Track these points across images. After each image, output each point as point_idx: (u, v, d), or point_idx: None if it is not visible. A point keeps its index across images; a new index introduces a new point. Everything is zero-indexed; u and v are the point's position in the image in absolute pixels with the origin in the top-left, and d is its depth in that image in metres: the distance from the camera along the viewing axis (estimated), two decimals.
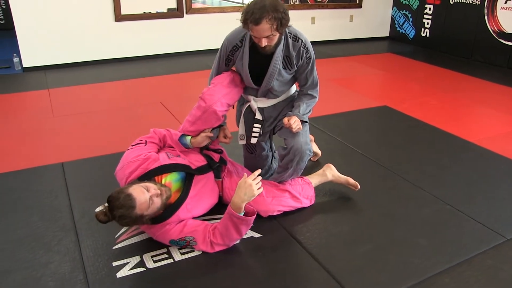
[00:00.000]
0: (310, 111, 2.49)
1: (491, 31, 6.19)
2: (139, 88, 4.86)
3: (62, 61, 5.55)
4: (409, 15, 7.45)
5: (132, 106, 4.25)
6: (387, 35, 8.00)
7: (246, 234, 2.29)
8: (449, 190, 2.81)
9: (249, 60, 2.35)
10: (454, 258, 2.17)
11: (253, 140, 2.56)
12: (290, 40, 2.31)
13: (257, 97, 2.52)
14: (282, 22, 2.11)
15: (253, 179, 2.06)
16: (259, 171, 2.13)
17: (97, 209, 2.49)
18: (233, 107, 2.64)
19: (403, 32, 7.67)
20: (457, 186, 2.87)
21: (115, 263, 2.08)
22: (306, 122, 2.45)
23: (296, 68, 2.39)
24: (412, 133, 3.77)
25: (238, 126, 2.70)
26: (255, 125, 2.55)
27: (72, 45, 5.53)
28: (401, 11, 7.61)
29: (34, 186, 2.77)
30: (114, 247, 2.19)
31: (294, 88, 2.60)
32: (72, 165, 3.03)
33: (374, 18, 7.75)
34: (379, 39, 7.91)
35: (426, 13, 7.12)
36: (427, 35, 7.20)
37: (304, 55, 2.34)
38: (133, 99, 4.47)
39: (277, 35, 2.17)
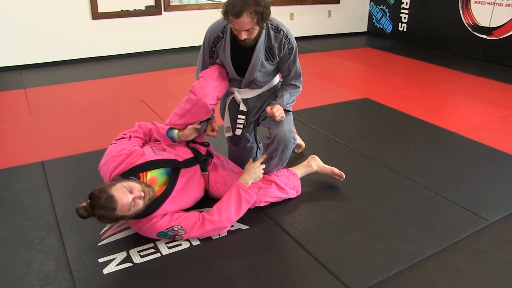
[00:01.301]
0: (293, 101, 2.48)
1: (466, 25, 6.29)
2: (118, 86, 4.78)
3: (38, 60, 5.44)
4: (386, 10, 7.52)
5: (113, 104, 4.18)
6: (365, 30, 8.06)
7: (233, 226, 2.27)
8: (434, 178, 2.83)
9: (231, 51, 2.33)
10: (441, 243, 2.19)
11: (238, 132, 2.55)
12: (272, 32, 2.30)
13: (240, 88, 2.50)
14: (263, 16, 2.10)
15: (261, 163, 2.32)
16: (265, 156, 2.37)
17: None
18: None
19: (381, 27, 7.74)
20: (441, 174, 2.90)
21: (101, 260, 2.03)
22: (290, 111, 2.45)
23: (278, 59, 2.38)
24: (395, 124, 3.80)
25: (223, 119, 2.68)
26: (239, 116, 2.53)
27: (48, 44, 5.41)
28: (378, 6, 7.67)
29: (14, 186, 2.69)
30: (99, 244, 2.14)
31: (277, 78, 2.59)
32: (53, 164, 2.97)
33: (352, 14, 7.80)
34: (357, 34, 7.97)
35: (403, 8, 7.20)
36: (405, 30, 7.28)
37: (286, 46, 2.33)
38: (113, 97, 4.40)
39: (258, 29, 2.16)
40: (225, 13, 2.10)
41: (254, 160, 2.41)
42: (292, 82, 2.48)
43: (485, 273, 2.00)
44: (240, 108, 2.52)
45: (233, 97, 2.55)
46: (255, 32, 2.18)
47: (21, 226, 2.29)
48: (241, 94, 2.52)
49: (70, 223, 2.30)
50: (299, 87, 2.51)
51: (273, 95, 2.55)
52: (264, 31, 2.27)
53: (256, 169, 2.30)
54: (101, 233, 2.22)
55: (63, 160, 3.03)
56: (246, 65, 2.36)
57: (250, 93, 2.52)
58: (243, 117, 2.53)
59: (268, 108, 2.31)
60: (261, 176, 2.33)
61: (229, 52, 2.33)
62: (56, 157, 3.06)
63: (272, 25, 2.29)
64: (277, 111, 2.29)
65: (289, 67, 2.43)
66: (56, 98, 4.35)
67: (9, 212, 2.42)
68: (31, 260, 2.03)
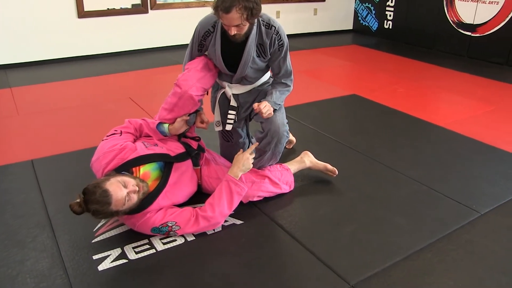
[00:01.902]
0: (283, 100, 2.47)
1: (451, 22, 6.36)
2: (106, 84, 4.74)
3: (24, 59, 5.36)
4: (372, 8, 7.58)
5: (101, 102, 4.14)
6: (351, 28, 8.12)
7: (227, 221, 2.27)
8: (424, 171, 2.87)
9: (222, 47, 2.33)
10: (434, 234, 2.22)
11: (228, 127, 2.54)
12: (263, 28, 2.29)
13: (231, 83, 2.50)
14: (253, 12, 2.09)
15: (250, 153, 2.26)
16: (257, 144, 2.33)
17: None
18: (207, 93, 2.62)
19: (367, 24, 7.79)
20: (431, 167, 2.94)
21: (95, 257, 2.01)
22: (281, 105, 2.44)
23: (269, 56, 2.37)
24: (384, 120, 3.83)
25: (213, 113, 2.67)
26: (230, 111, 2.52)
27: (34, 43, 5.34)
28: (363, 4, 7.73)
29: (3, 184, 2.65)
30: (93, 241, 2.12)
31: (269, 74, 2.59)
32: (42, 162, 2.93)
33: (337, 11, 7.84)
34: (343, 32, 8.01)
35: (388, 5, 7.26)
36: (390, 27, 7.35)
37: (276, 42, 2.32)
38: (101, 95, 4.36)
39: (247, 24, 2.16)
40: (215, 8, 2.09)
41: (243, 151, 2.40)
42: (283, 81, 2.46)
43: (478, 263, 2.03)
44: (230, 104, 2.52)
45: (224, 92, 2.55)
46: (245, 28, 2.17)
47: (12, 225, 2.26)
48: (232, 89, 2.51)
49: (63, 221, 2.28)
50: (289, 86, 2.48)
51: (265, 90, 2.55)
52: (255, 27, 2.26)
53: (245, 161, 2.26)
54: (94, 230, 2.20)
55: (53, 158, 2.99)
56: (238, 61, 2.35)
57: (241, 89, 2.52)
58: (234, 112, 2.52)
59: (255, 105, 2.29)
60: (251, 167, 2.29)
61: (219, 48, 2.32)
62: (46, 155, 3.02)
63: (264, 21, 2.28)
64: (264, 107, 2.28)
65: (279, 64, 2.41)
66: (43, 97, 4.30)
67: None
68: (24, 258, 2.01)
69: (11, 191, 2.57)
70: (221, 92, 2.54)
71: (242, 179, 2.28)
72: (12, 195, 2.53)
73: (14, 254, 2.04)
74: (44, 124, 3.60)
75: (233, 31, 2.12)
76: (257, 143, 2.33)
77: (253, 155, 2.34)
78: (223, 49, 2.33)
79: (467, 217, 2.37)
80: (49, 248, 2.07)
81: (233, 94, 2.50)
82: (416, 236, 2.21)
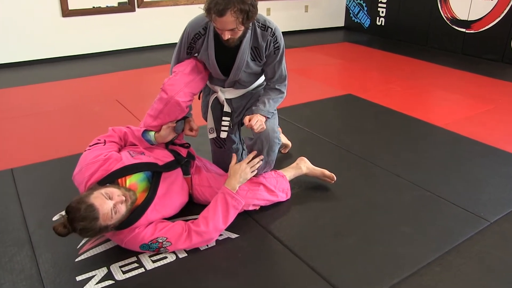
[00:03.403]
0: (275, 108, 2.31)
1: (445, 18, 6.26)
2: (92, 86, 4.56)
3: (5, 60, 5.15)
4: (364, 4, 7.45)
5: (86, 105, 3.96)
6: (343, 25, 7.98)
7: (221, 235, 2.11)
8: (425, 175, 2.74)
9: (215, 50, 2.17)
10: (442, 246, 2.08)
11: (223, 134, 2.39)
12: (258, 30, 2.12)
13: (224, 87, 2.34)
14: (248, 16, 1.92)
15: (247, 163, 2.17)
16: (254, 152, 2.22)
17: (55, 218, 2.25)
18: (199, 98, 2.46)
19: (358, 21, 7.67)
20: (432, 171, 2.81)
21: (79, 278, 1.85)
22: (273, 113, 2.29)
23: (265, 59, 2.22)
24: (380, 120, 3.70)
25: (204, 119, 2.52)
26: (224, 118, 2.37)
27: (15, 43, 5.13)
28: (355, 1, 7.60)
29: None
30: (76, 259, 1.95)
31: (263, 77, 2.43)
32: (23, 171, 2.75)
33: (329, 8, 7.70)
34: (334, 29, 7.88)
35: (381, 2, 7.14)
36: (383, 24, 7.23)
37: (272, 44, 2.16)
38: (87, 97, 4.17)
39: (243, 29, 2.00)
40: (208, 10, 1.92)
41: (239, 161, 2.25)
42: (276, 87, 2.29)
43: (491, 277, 1.90)
44: (224, 109, 2.36)
45: (216, 96, 2.39)
46: (240, 32, 2.01)
47: None
48: (224, 94, 2.36)
49: (44, 237, 2.11)
50: (283, 92, 2.31)
51: (258, 93, 2.40)
52: (250, 29, 2.10)
53: (242, 172, 2.13)
54: (78, 247, 2.04)
55: (34, 167, 2.81)
56: (230, 65, 2.19)
57: (234, 93, 2.37)
58: (228, 118, 2.37)
59: (246, 120, 2.11)
60: (248, 178, 2.17)
61: (213, 52, 2.16)
62: (27, 163, 2.84)
63: (259, 22, 2.12)
64: (256, 123, 2.10)
65: (274, 68, 2.25)
66: (25, 100, 4.10)
67: None
68: None
69: None
70: (214, 96, 2.38)
71: (238, 191, 2.13)
72: None
73: None
74: (25, 129, 3.42)
75: (226, 36, 1.96)
76: (255, 152, 2.18)
77: (255, 163, 2.20)
78: (216, 52, 2.17)
79: (476, 226, 2.24)
80: (28, 269, 1.90)
81: (226, 99, 2.35)
82: (422, 247, 2.07)
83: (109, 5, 5.59)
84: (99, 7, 5.54)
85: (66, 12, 5.30)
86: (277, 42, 2.17)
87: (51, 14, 5.24)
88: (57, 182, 2.63)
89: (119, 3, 5.66)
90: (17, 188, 2.55)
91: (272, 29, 2.14)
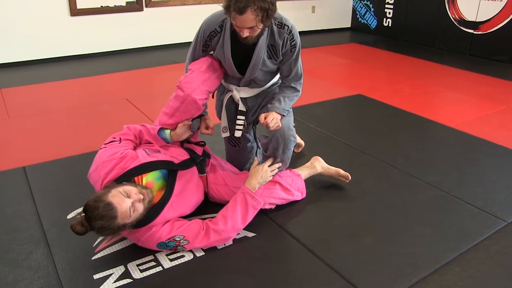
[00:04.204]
0: (291, 105, 2.30)
1: (452, 19, 6.24)
2: (101, 85, 4.55)
3: (14, 59, 5.15)
4: (371, 5, 7.43)
5: (96, 104, 3.95)
6: (349, 26, 7.97)
7: (238, 234, 2.09)
8: (440, 176, 2.72)
9: (231, 48, 2.15)
10: (460, 246, 2.06)
11: (238, 134, 2.36)
12: (275, 28, 2.10)
13: (239, 86, 2.33)
14: (268, 14, 1.91)
15: (268, 165, 2.17)
16: (271, 159, 2.24)
17: (69, 216, 2.23)
18: (213, 97, 2.44)
19: (365, 22, 7.65)
20: (446, 171, 2.79)
21: (96, 276, 1.83)
22: (289, 111, 2.28)
23: (281, 57, 2.20)
24: (392, 120, 3.68)
25: (218, 118, 2.51)
26: (239, 117, 2.35)
27: (24, 42, 5.13)
28: (362, 2, 7.58)
29: None
30: (93, 258, 1.94)
31: (278, 75, 2.41)
32: (35, 169, 2.74)
33: (335, 9, 7.69)
34: (341, 30, 7.87)
35: (388, 3, 7.12)
36: (390, 25, 7.21)
37: (289, 42, 2.14)
38: (96, 96, 4.16)
39: (262, 26, 1.98)
40: (227, 8, 1.91)
41: (260, 162, 2.23)
42: (292, 85, 2.28)
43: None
44: (239, 108, 2.34)
45: (231, 95, 2.38)
46: (258, 30, 1.99)
47: (3, 240, 2.07)
48: (239, 93, 2.34)
49: (59, 235, 2.09)
50: (298, 90, 2.31)
51: (273, 92, 2.38)
52: (267, 27, 2.09)
53: (263, 173, 2.12)
54: (94, 245, 2.02)
55: (47, 165, 2.80)
56: (247, 63, 2.18)
57: (249, 92, 2.35)
58: (243, 117, 2.35)
59: (262, 117, 2.10)
60: (268, 180, 2.19)
61: (229, 49, 2.14)
62: (39, 162, 2.83)
63: (276, 20, 2.10)
64: (272, 121, 2.09)
65: (290, 66, 2.24)
66: (35, 98, 4.10)
67: None
68: (16, 279, 1.82)
69: (1, 202, 2.38)
70: (228, 95, 2.37)
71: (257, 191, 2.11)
72: (2, 207, 2.34)
73: (5, 274, 1.84)
74: (36, 128, 3.41)
75: (245, 33, 1.94)
76: (272, 159, 2.19)
77: (275, 167, 2.19)
78: (232, 49, 2.15)
79: (493, 226, 2.22)
80: (45, 267, 1.89)
81: (241, 98, 2.33)
82: (441, 247, 2.05)
83: (117, 4, 5.59)
84: (107, 6, 5.53)
85: (75, 11, 5.29)
86: (294, 40, 2.16)
87: (59, 13, 5.24)
88: (69, 180, 2.62)
89: (127, 2, 5.66)
90: (30, 186, 2.54)
91: (288, 26, 2.12)
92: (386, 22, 7.26)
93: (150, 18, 5.86)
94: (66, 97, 4.14)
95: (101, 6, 5.48)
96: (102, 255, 1.96)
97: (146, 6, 5.77)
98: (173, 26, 5.99)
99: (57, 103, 3.98)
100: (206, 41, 2.18)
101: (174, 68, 5.02)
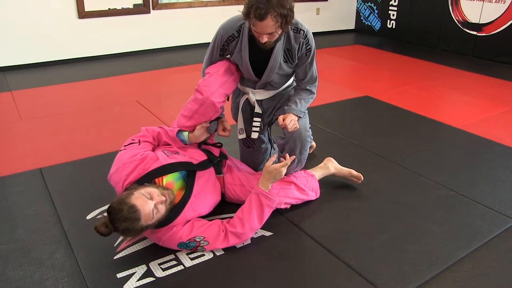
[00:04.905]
0: (306, 108, 2.35)
1: (456, 21, 6.29)
2: (111, 87, 4.59)
3: (24, 61, 5.20)
4: (375, 7, 7.48)
5: (107, 106, 4.00)
6: (353, 27, 8.02)
7: (256, 233, 2.14)
8: (449, 176, 2.77)
9: (248, 52, 2.20)
10: (472, 243, 2.12)
11: (254, 135, 2.41)
12: (291, 32, 2.16)
13: (255, 89, 2.38)
14: (287, 20, 1.97)
15: (282, 166, 2.10)
16: (293, 157, 2.22)
17: (88, 217, 2.28)
18: (228, 99, 2.49)
19: (369, 24, 7.70)
20: (455, 171, 2.84)
21: (119, 275, 1.88)
22: (305, 112, 2.33)
23: (297, 61, 2.25)
24: (400, 121, 3.73)
25: (234, 120, 2.55)
26: (255, 119, 2.40)
27: (33, 45, 5.18)
28: (366, 4, 7.63)
29: (12, 196, 2.51)
30: (115, 257, 1.99)
31: (293, 77, 2.47)
32: (52, 170, 2.79)
33: (340, 11, 7.75)
34: (345, 32, 7.91)
35: (392, 5, 7.17)
36: (393, 27, 7.25)
37: (304, 46, 2.20)
38: (107, 98, 4.21)
39: (280, 32, 2.03)
40: (247, 14, 1.96)
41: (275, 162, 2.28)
42: (307, 87, 2.34)
43: None
44: (255, 110, 2.40)
45: (247, 98, 2.43)
46: (277, 36, 2.05)
47: (25, 241, 2.12)
48: (255, 95, 2.39)
49: (80, 235, 2.14)
50: (314, 93, 2.37)
51: (288, 93, 2.43)
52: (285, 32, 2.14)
53: (277, 174, 2.11)
54: (115, 244, 2.07)
55: (62, 167, 2.85)
56: (263, 66, 2.23)
57: (265, 94, 2.40)
58: (259, 119, 2.40)
59: (280, 119, 2.16)
60: (280, 178, 2.19)
61: (247, 54, 2.19)
62: (55, 163, 2.88)
63: (292, 25, 2.15)
64: (290, 122, 2.15)
65: (305, 69, 2.29)
66: (47, 100, 4.15)
67: (10, 225, 2.24)
68: (42, 277, 1.87)
69: (21, 203, 2.43)
70: (244, 98, 2.42)
71: (271, 190, 2.15)
72: (22, 208, 2.39)
73: (31, 273, 1.90)
74: (49, 130, 3.46)
75: (264, 39, 2.00)
76: (294, 157, 2.21)
77: (285, 169, 2.17)
78: (249, 54, 2.20)
79: (503, 225, 2.27)
80: (68, 266, 1.94)
81: (256, 100, 2.38)
82: (452, 245, 2.11)
83: (124, 7, 5.64)
84: (115, 8, 5.58)
85: (82, 13, 5.34)
86: (309, 44, 2.21)
87: (67, 16, 5.29)
88: (85, 181, 2.67)
89: (134, 5, 5.70)
90: (48, 188, 2.58)
91: (304, 31, 2.18)
92: (390, 24, 7.31)
93: (157, 20, 5.90)
94: (76, 99, 4.19)
95: (109, 9, 5.53)
96: (124, 254, 2.01)
97: (153, 9, 5.82)
98: (180, 28, 6.03)
99: (68, 105, 4.02)
100: (224, 45, 2.23)
101: (182, 70, 5.07)
